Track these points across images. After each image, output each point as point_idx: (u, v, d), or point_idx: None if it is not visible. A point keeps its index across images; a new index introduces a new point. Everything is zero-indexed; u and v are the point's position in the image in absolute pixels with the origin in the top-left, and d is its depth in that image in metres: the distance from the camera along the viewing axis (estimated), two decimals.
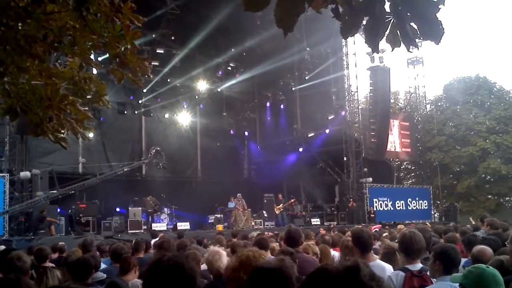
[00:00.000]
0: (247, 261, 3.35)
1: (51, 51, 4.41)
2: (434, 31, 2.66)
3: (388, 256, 6.01)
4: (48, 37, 4.14)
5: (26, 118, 4.67)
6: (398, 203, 33.62)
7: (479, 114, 41.84)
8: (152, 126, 32.27)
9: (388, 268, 5.50)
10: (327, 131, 33.30)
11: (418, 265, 5.12)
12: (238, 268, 3.32)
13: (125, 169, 25.06)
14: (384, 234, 10.90)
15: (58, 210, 23.12)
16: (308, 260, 6.59)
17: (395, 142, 36.51)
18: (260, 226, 25.29)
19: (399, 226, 17.68)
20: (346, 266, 1.79)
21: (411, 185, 43.27)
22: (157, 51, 28.06)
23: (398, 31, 2.74)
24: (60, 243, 12.37)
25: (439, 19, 2.63)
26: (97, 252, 9.65)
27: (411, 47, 2.79)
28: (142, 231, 22.64)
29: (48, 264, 8.45)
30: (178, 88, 32.39)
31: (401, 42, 2.79)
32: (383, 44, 2.91)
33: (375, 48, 2.83)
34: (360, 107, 35.41)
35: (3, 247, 13.34)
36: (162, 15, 26.56)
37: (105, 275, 7.03)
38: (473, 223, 16.56)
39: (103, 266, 8.31)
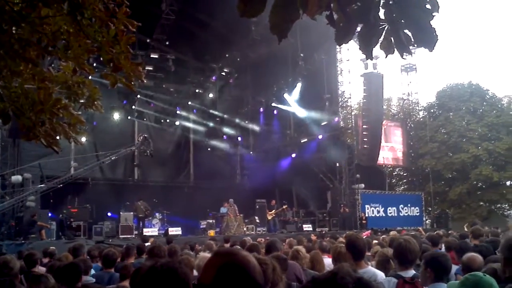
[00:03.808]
0: None
1: (45, 55, 4.40)
2: (428, 38, 2.68)
3: (382, 264, 6.04)
4: (42, 41, 4.13)
5: (18, 122, 4.65)
6: (390, 210, 33.70)
7: (471, 121, 42.03)
8: (145, 131, 32.20)
9: (380, 275, 5.52)
10: (320, 137, 33.33)
11: (411, 272, 5.13)
12: None
13: (112, 158, 24.86)
14: (374, 242, 10.87)
15: (49, 214, 22.99)
16: (290, 265, 6.61)
17: (387, 148, 36.65)
18: (252, 232, 25.25)
19: (391, 233, 17.68)
20: (328, 271, 2.04)
21: (403, 191, 43.35)
22: (151, 56, 28.04)
23: (392, 38, 2.75)
24: (51, 247, 12.33)
25: (433, 26, 2.64)
26: (88, 257, 9.59)
27: (404, 54, 2.80)
28: (133, 236, 22.52)
29: (39, 268, 8.42)
30: (172, 93, 32.39)
31: (395, 49, 2.80)
32: (376, 50, 2.92)
33: (369, 55, 2.84)
34: (353, 113, 35.53)
35: None
36: (157, 20, 26.57)
37: (94, 280, 7.00)
38: (465, 230, 16.60)
39: (92, 271, 8.26)
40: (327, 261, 7.78)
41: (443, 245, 10.21)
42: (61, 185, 22.84)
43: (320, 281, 1.97)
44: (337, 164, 32.31)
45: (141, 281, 2.47)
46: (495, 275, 4.24)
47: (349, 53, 32.89)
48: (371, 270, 5.62)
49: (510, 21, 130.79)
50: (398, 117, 45.12)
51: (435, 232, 13.17)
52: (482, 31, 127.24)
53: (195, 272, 6.14)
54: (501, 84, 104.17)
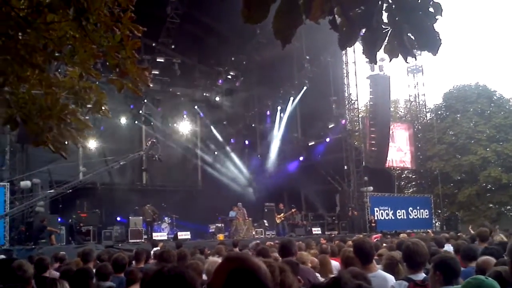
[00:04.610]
0: None
1: (51, 61, 4.42)
2: (431, 42, 2.67)
3: (390, 267, 6.02)
4: (48, 47, 4.15)
5: (26, 128, 4.68)
6: (399, 212, 33.56)
7: (479, 123, 41.84)
8: (153, 135, 32.22)
9: (390, 278, 5.52)
10: (327, 139, 33.28)
11: (421, 275, 5.14)
12: None
13: (121, 163, 24.84)
14: (384, 245, 10.82)
15: (59, 219, 23.06)
16: (303, 270, 6.57)
17: (395, 150, 36.53)
18: (261, 235, 25.21)
19: (401, 235, 17.63)
20: (330, 278, 2.10)
21: (412, 194, 43.19)
22: (157, 59, 28.09)
23: (395, 42, 2.75)
24: (61, 252, 12.36)
25: (436, 30, 2.64)
26: (98, 262, 9.58)
27: (408, 57, 2.80)
28: (143, 240, 22.54)
29: (52, 273, 8.45)
30: (178, 97, 32.44)
31: (399, 52, 2.80)
32: (381, 53, 2.92)
33: (372, 59, 2.84)
34: (360, 115, 35.43)
35: (3, 256, 13.33)
36: (163, 24, 26.61)
37: (114, 284, 7.00)
38: (472, 232, 16.48)
39: None
40: (334, 264, 7.77)
41: (445, 246, 10.19)
42: (70, 190, 22.88)
43: (322, 287, 1.99)
44: (345, 167, 32.22)
45: (148, 286, 2.46)
46: (500, 278, 4.22)
47: (355, 55, 32.85)
48: (381, 274, 5.63)
49: None
50: (405, 119, 44.96)
51: (441, 235, 13.14)
52: (489, 32, 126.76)
53: (204, 276, 6.14)
54: (509, 85, 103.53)
